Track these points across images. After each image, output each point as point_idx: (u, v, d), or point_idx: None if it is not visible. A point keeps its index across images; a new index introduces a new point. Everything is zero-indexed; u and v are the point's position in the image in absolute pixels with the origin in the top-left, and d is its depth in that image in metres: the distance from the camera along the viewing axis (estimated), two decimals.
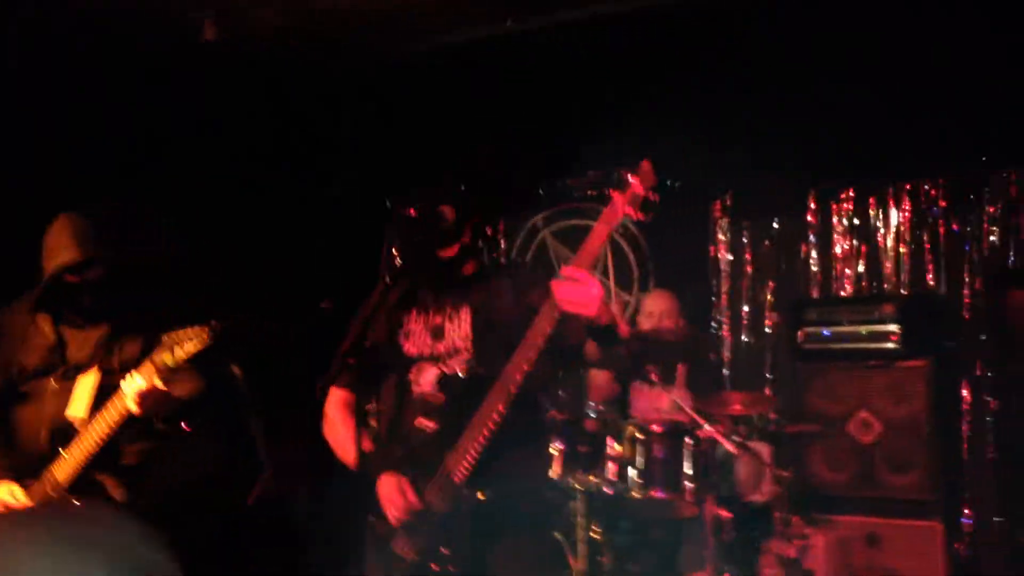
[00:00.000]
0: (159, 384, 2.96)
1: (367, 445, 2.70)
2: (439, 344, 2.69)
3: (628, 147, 5.69)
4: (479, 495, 2.50)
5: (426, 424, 2.61)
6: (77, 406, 3.09)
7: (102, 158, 4.52)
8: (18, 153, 4.16)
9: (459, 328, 2.70)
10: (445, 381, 2.65)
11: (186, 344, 2.94)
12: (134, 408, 2.94)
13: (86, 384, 3.10)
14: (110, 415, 2.97)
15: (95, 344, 3.18)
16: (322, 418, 2.88)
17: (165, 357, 2.94)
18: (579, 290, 2.41)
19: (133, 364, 3.04)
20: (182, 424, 3.20)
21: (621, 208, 2.51)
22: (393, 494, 2.57)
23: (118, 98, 4.63)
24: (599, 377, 4.60)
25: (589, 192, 6.09)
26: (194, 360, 3.05)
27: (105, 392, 3.05)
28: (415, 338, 2.73)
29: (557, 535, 3.91)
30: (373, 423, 3.21)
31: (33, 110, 4.24)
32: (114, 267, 3.15)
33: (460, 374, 2.64)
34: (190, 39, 4.90)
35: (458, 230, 2.67)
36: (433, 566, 2.49)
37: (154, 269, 3.74)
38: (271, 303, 5.05)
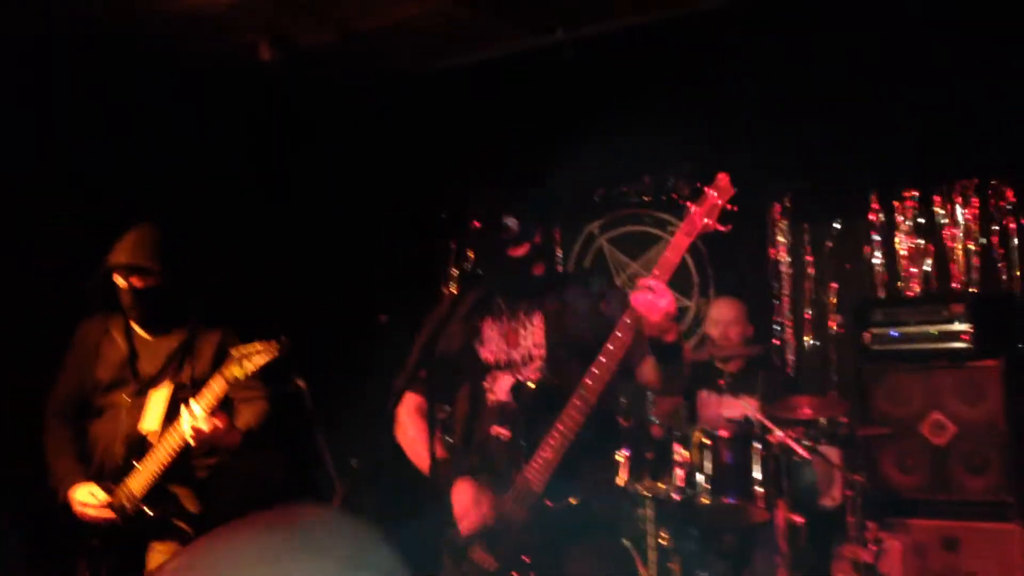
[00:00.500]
0: (216, 422, 3.01)
1: (440, 451, 2.70)
2: (514, 351, 2.69)
3: (683, 151, 5.68)
4: (571, 500, 2.49)
5: (501, 432, 2.60)
6: (150, 420, 3.15)
7: (108, 164, 4.58)
8: (17, 155, 4.22)
9: (532, 335, 2.70)
10: (518, 390, 2.65)
11: (255, 357, 3.00)
12: (190, 441, 3.01)
13: (159, 398, 3.16)
14: (172, 440, 3.04)
15: (166, 357, 3.23)
16: (395, 423, 2.88)
17: (235, 370, 2.99)
18: (651, 299, 2.43)
19: (205, 379, 3.09)
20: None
21: (700, 220, 2.50)
22: (468, 502, 2.56)
23: (120, 102, 4.70)
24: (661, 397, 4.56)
25: (644, 198, 6.05)
26: (262, 376, 3.10)
27: (176, 406, 3.10)
28: (491, 345, 2.73)
29: (626, 542, 3.87)
30: (442, 430, 3.20)
31: (34, 112, 4.29)
32: (170, 282, 3.21)
33: (532, 383, 2.64)
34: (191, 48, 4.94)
35: (525, 232, 2.68)
36: (513, 574, 2.48)
37: (222, 284, 3.80)
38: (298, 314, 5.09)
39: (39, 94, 4.35)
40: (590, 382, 2.47)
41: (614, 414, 2.94)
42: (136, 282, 3.18)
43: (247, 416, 3.24)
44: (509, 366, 2.69)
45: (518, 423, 2.57)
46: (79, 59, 4.58)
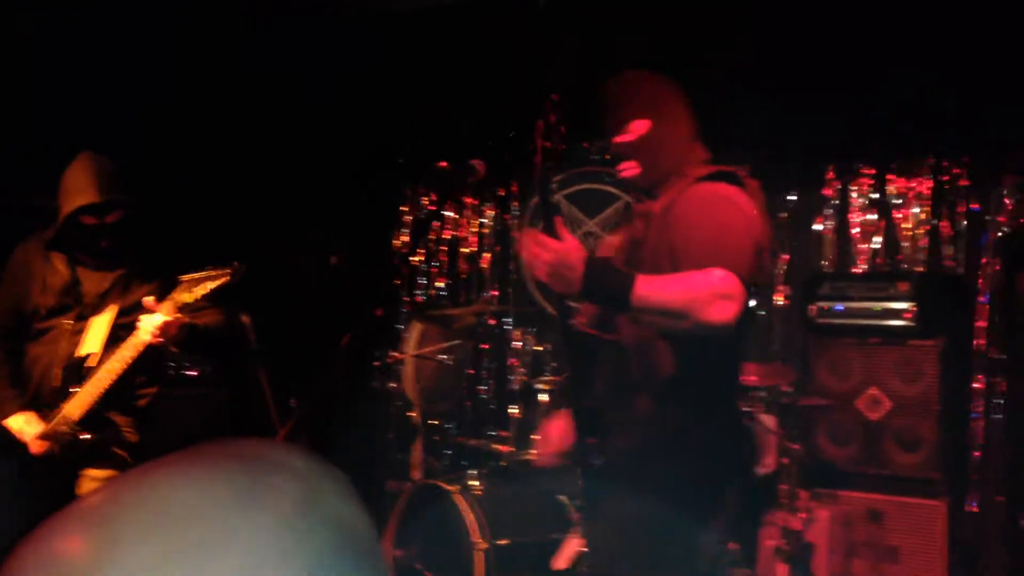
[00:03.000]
0: (180, 316, 2.96)
1: None
2: None
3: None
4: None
5: None
6: (91, 344, 3.09)
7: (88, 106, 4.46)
8: None
9: None
10: None
11: (206, 282, 2.95)
12: (151, 339, 2.93)
13: (101, 323, 3.10)
14: (127, 351, 2.98)
15: (111, 283, 3.16)
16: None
17: (184, 296, 2.94)
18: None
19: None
20: (193, 365, 3.20)
21: None
22: None
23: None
24: None
25: (605, 156, 6.03)
26: (212, 300, 3.04)
27: (119, 331, 3.05)
28: None
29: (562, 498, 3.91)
30: None
31: None
32: (133, 211, 3.14)
33: None
34: None
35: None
36: None
37: (169, 213, 3.72)
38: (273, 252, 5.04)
39: None
40: None
41: None
42: (105, 218, 3.09)
43: (205, 319, 3.16)
44: None
45: None
46: None
